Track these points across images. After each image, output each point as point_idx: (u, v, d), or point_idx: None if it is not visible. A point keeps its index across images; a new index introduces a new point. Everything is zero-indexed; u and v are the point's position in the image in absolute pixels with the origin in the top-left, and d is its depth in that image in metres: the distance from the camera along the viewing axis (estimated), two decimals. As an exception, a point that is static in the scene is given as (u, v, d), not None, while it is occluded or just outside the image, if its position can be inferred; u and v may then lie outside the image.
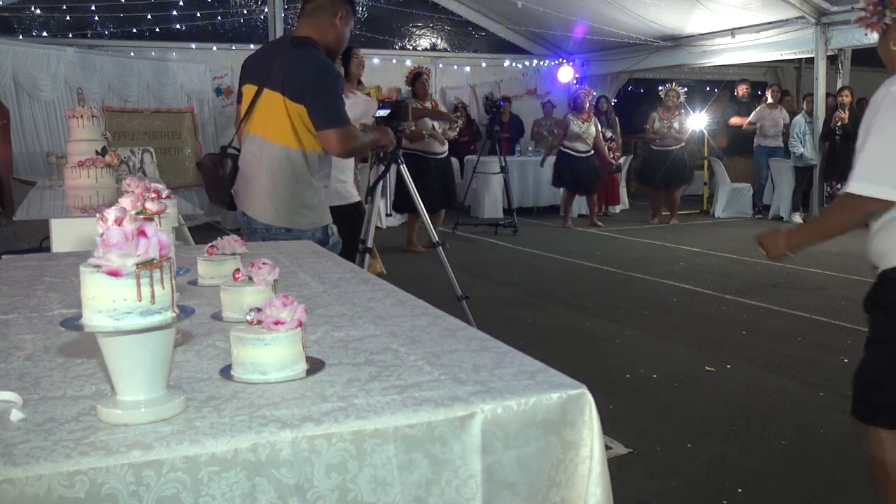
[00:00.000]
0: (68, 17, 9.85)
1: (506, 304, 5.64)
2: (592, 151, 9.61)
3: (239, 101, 3.17)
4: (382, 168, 4.58)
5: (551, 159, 9.88)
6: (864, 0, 2.19)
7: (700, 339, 4.69)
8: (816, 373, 4.08)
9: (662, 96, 9.98)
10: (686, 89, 10.43)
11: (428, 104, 7.99)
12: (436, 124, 7.93)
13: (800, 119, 9.83)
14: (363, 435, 1.09)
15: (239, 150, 3.16)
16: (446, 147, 8.15)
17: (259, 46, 3.64)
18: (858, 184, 2.03)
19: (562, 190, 10.00)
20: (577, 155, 9.55)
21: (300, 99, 2.87)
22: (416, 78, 7.98)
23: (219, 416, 1.11)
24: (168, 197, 1.71)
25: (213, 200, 3.50)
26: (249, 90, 3.05)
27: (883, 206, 2.02)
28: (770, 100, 10.58)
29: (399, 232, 8.73)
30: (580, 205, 10.56)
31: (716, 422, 3.42)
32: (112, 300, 1.04)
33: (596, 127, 9.68)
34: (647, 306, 5.55)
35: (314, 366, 1.32)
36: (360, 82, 5.74)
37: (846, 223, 2.14)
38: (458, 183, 9.51)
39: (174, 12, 10.27)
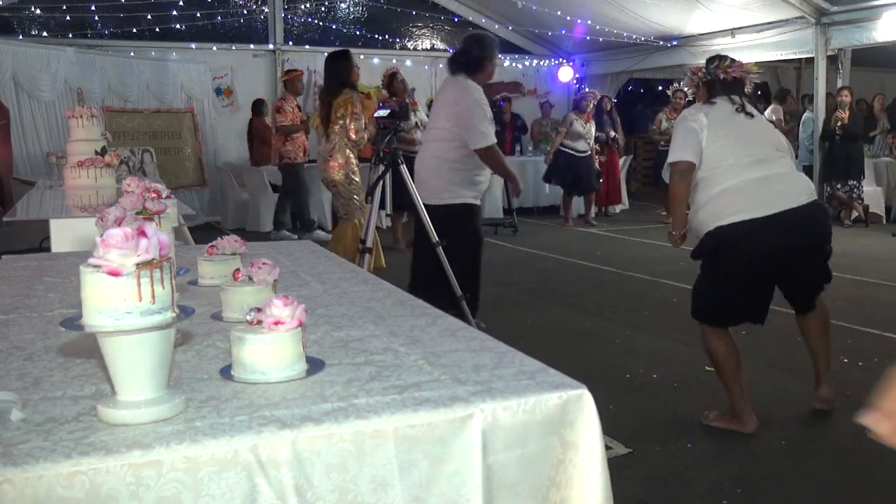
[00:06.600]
0: (68, 17, 9.84)
1: (506, 304, 5.64)
2: (590, 151, 9.71)
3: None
4: (382, 168, 4.57)
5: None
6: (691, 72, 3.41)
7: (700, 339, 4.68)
8: (816, 373, 4.07)
9: (670, 95, 9.95)
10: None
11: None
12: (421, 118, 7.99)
13: (809, 117, 9.90)
14: (363, 435, 1.09)
15: None
16: None
17: None
18: (670, 158, 3.19)
19: (561, 190, 10.05)
20: (578, 154, 9.62)
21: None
22: (393, 78, 7.98)
23: (219, 416, 1.11)
24: (168, 197, 1.71)
25: None
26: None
27: (686, 165, 3.12)
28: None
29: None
30: (580, 204, 10.55)
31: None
32: (112, 300, 1.04)
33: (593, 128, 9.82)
34: (647, 306, 5.54)
35: (314, 366, 1.32)
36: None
37: (678, 187, 3.18)
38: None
39: (174, 12, 10.24)
